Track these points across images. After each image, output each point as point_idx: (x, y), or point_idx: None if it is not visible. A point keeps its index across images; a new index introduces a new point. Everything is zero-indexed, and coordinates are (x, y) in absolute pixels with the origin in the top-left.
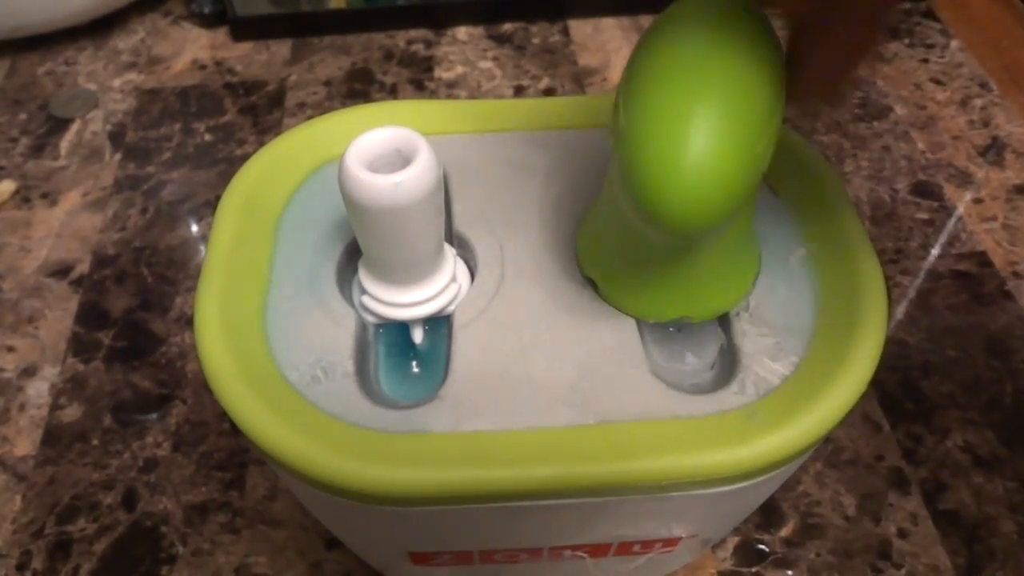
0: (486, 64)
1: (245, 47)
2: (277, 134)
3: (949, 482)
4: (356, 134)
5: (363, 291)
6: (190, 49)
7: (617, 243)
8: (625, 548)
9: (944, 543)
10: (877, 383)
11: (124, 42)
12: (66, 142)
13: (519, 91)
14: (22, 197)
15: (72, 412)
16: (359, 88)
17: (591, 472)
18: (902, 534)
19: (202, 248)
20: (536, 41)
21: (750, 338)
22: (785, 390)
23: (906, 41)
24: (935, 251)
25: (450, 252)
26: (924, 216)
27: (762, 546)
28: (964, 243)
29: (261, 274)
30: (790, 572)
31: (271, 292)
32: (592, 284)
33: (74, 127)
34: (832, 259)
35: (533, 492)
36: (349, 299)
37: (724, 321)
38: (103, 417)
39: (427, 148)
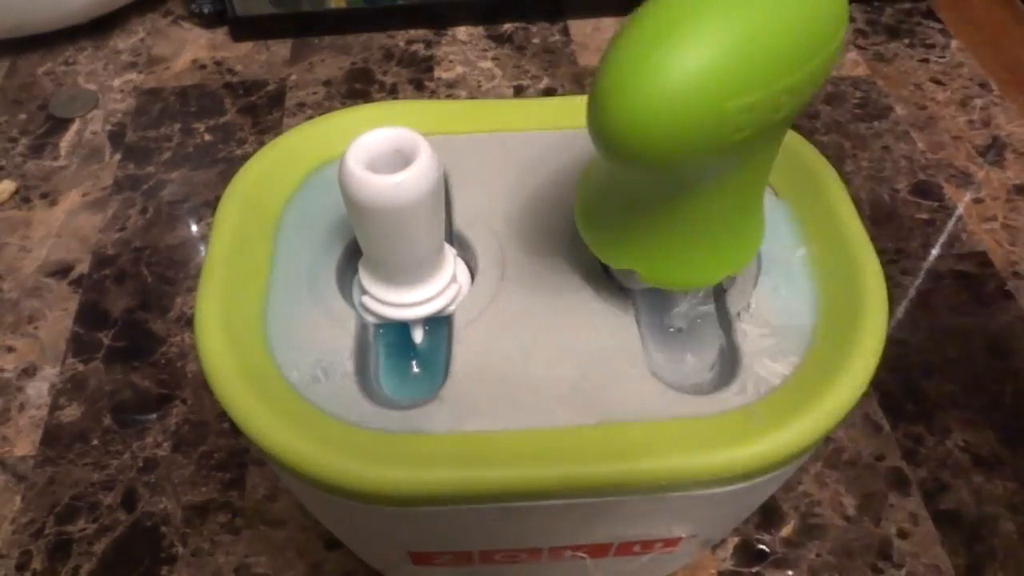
0: (486, 64)
1: (245, 47)
2: (277, 134)
3: (949, 482)
4: (356, 134)
5: (363, 291)
6: (190, 49)
7: (608, 197)
8: (625, 548)
9: (944, 543)
10: (877, 383)
11: (124, 42)
12: (66, 142)
13: (519, 91)
14: (22, 197)
15: (72, 412)
16: (359, 88)
17: (591, 472)
18: (902, 534)
19: (202, 248)
20: (536, 41)
21: (750, 339)
22: (785, 390)
23: (906, 41)
24: (935, 251)
25: (450, 252)
26: (924, 216)
27: (762, 546)
28: (964, 243)
29: (261, 274)
30: (790, 572)
31: (271, 292)
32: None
33: (74, 127)
34: (832, 259)
35: (533, 492)
36: (349, 299)
37: (724, 322)
38: (103, 417)
39: (427, 148)
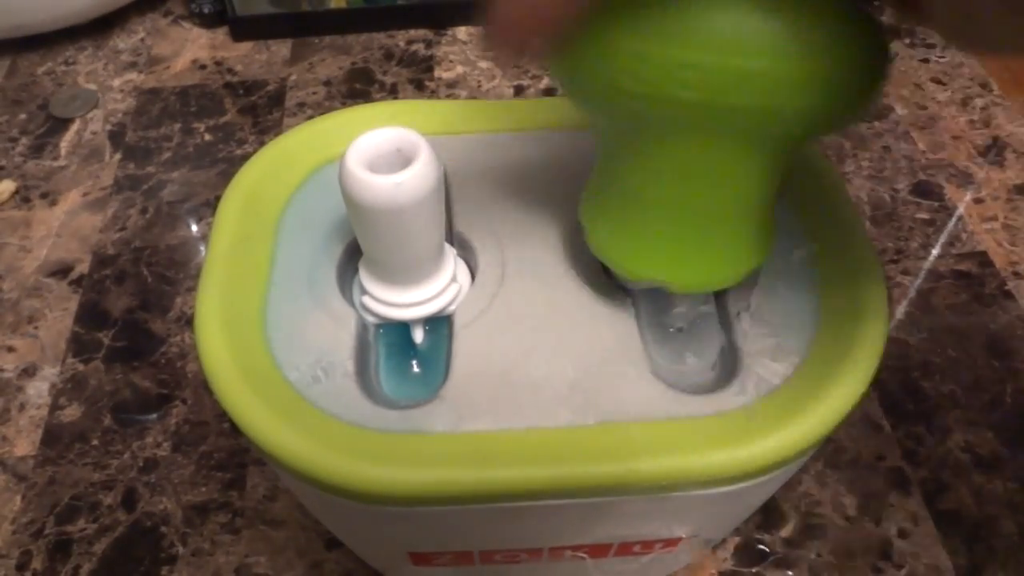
0: (486, 64)
1: (245, 47)
2: (277, 134)
3: (950, 482)
4: (356, 134)
5: (363, 291)
6: (190, 49)
7: (611, 190)
8: (625, 548)
9: (944, 543)
10: (878, 383)
11: (124, 42)
12: (66, 142)
13: (519, 91)
14: (22, 197)
15: (72, 412)
16: (359, 88)
17: (591, 472)
18: (903, 534)
19: (202, 248)
20: None
21: (751, 338)
22: (786, 391)
23: (907, 41)
24: (935, 251)
25: (450, 252)
26: (924, 216)
27: (762, 546)
28: (964, 243)
29: (261, 274)
30: (790, 572)
31: (271, 292)
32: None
33: (74, 127)
34: (832, 259)
35: (533, 492)
36: (349, 299)
37: (725, 321)
38: (103, 417)
39: (427, 148)
